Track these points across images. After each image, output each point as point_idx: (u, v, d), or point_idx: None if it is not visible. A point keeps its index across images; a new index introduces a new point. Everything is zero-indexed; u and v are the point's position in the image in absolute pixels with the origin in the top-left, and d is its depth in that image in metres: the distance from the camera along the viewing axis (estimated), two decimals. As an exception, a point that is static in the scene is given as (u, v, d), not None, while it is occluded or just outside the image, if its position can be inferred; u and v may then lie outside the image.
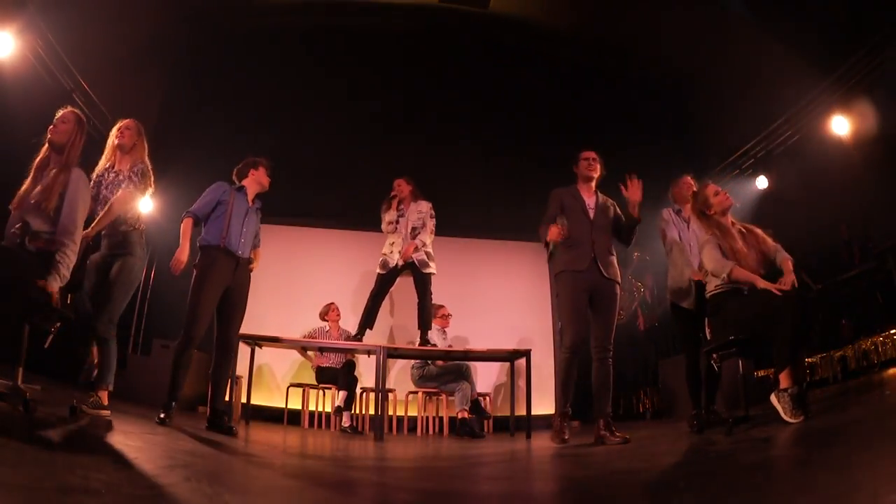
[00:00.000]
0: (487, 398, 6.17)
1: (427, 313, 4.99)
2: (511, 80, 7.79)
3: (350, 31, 7.44)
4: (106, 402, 3.10)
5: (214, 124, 6.70)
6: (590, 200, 3.73)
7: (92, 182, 3.41)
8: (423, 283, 4.99)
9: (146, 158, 3.44)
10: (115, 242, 3.25)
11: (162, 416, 3.24)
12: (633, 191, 3.58)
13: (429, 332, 4.99)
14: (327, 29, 7.41)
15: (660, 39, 6.92)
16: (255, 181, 3.84)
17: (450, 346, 5.88)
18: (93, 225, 3.26)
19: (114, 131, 3.43)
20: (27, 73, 4.58)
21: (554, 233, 3.52)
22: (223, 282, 3.50)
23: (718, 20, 6.21)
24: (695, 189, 4.11)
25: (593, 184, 3.78)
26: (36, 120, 4.74)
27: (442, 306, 5.88)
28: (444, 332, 5.90)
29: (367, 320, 4.96)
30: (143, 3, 5.97)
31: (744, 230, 3.28)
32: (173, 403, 3.34)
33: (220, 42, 7.12)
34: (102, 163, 3.44)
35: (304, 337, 5.64)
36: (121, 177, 3.35)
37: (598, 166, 3.77)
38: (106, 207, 3.18)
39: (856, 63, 5.00)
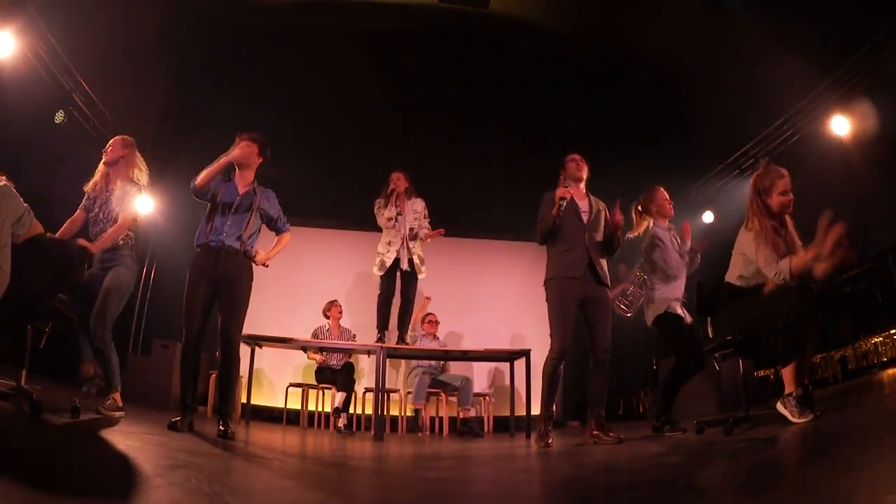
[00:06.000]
0: (487, 398, 6.18)
1: (409, 316, 5.16)
2: (511, 80, 7.78)
3: (350, 31, 7.43)
4: (120, 404, 3.20)
5: (214, 124, 6.68)
6: (582, 204, 3.65)
7: (85, 199, 3.47)
8: (413, 288, 5.14)
9: (136, 170, 3.52)
10: (106, 256, 3.36)
11: (173, 420, 3.18)
12: (617, 216, 3.57)
13: (408, 333, 5.17)
14: (327, 29, 7.40)
15: (660, 40, 6.91)
16: (239, 162, 3.54)
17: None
18: (98, 241, 3.29)
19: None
20: (27, 73, 4.57)
21: (561, 191, 3.45)
22: (206, 277, 3.40)
23: (719, 21, 6.21)
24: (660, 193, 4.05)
25: (583, 185, 3.72)
26: (36, 120, 4.77)
27: (430, 313, 6.03)
28: (437, 336, 6.02)
29: (384, 324, 5.05)
30: (143, 2, 5.96)
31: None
32: (187, 409, 3.28)
33: (219, 42, 7.11)
34: (97, 179, 3.49)
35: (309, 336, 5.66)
36: (113, 195, 3.42)
37: (586, 167, 3.73)
38: (115, 226, 3.33)
39: (856, 63, 5.00)
